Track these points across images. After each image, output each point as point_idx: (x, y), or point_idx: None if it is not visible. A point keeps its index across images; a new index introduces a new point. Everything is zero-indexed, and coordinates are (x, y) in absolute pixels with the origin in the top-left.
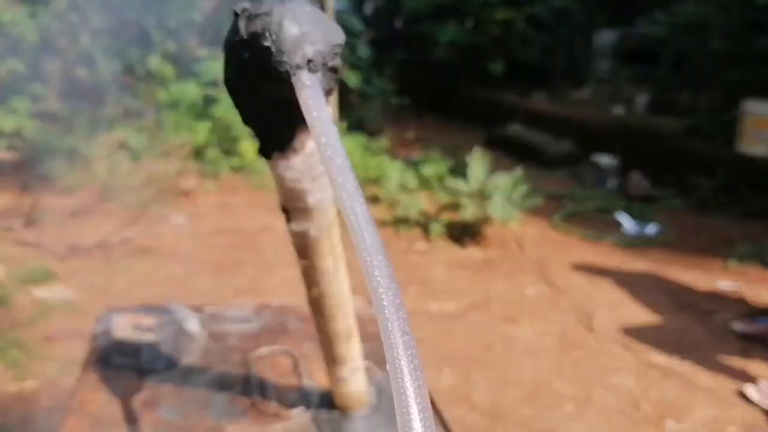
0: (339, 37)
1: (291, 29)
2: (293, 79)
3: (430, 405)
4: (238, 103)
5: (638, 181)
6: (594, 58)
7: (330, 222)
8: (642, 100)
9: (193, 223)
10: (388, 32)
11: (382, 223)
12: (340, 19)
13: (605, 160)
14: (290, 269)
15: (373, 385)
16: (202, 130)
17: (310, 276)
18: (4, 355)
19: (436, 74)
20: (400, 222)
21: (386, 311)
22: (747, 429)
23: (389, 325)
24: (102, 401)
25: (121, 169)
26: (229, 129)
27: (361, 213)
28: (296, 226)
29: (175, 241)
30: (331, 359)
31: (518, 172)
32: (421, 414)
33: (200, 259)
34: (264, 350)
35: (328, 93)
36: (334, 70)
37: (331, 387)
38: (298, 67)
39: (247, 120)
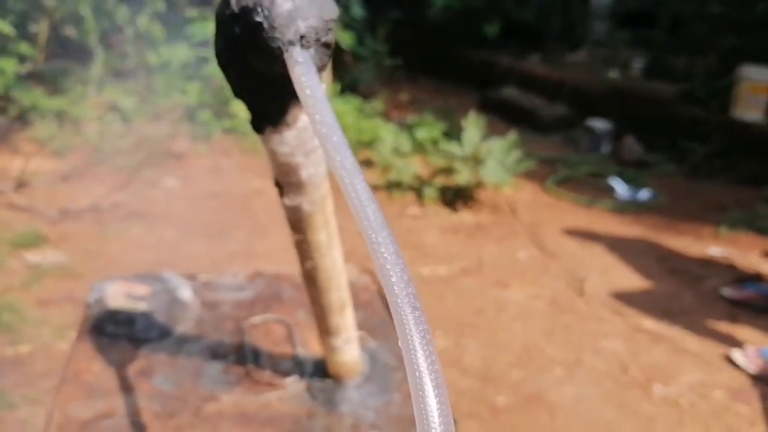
0: (332, 12)
1: (283, 4)
2: (285, 56)
3: (443, 380)
4: (229, 77)
5: (632, 146)
6: (590, 20)
7: (323, 196)
8: (638, 64)
9: (185, 186)
10: None
11: (375, 188)
12: None
13: (599, 124)
14: (283, 234)
15: (366, 354)
16: (193, 92)
17: (304, 250)
18: None
19: (431, 35)
20: (394, 186)
21: (395, 288)
22: (732, 393)
23: (399, 301)
24: (97, 370)
25: (112, 132)
26: (221, 90)
27: (362, 190)
28: (289, 201)
29: (167, 204)
30: (325, 330)
31: (512, 136)
32: (436, 390)
33: (192, 222)
34: (257, 319)
35: (321, 69)
36: (327, 45)
37: (325, 356)
38: (291, 43)
39: (238, 94)
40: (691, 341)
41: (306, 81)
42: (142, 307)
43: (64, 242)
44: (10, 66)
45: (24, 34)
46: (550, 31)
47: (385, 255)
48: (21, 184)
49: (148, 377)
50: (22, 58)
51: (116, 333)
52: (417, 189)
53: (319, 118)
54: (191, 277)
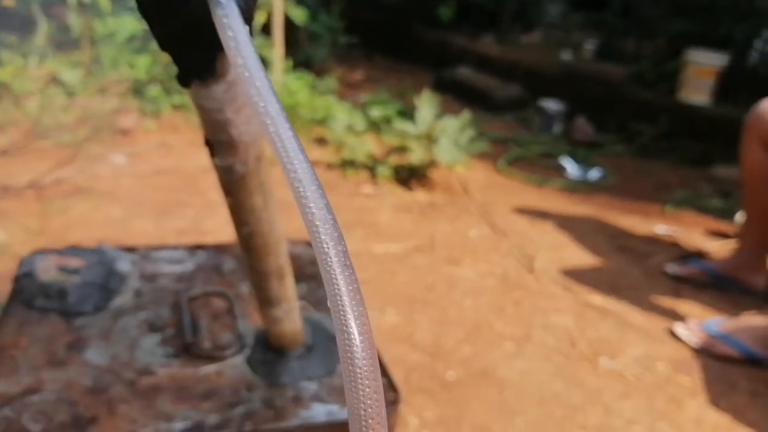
0: None
1: None
2: None
3: (374, 341)
4: (152, 25)
5: (583, 126)
6: (544, 2)
7: (257, 157)
8: (590, 46)
9: (132, 163)
10: None
11: (328, 166)
12: None
13: (552, 105)
14: None
15: (308, 326)
16: (141, 66)
17: (239, 214)
18: None
19: (386, 14)
20: (347, 164)
21: (324, 245)
22: (675, 364)
23: (328, 259)
24: (24, 345)
25: (55, 106)
26: (171, 65)
27: (288, 139)
28: (220, 161)
29: (113, 181)
30: (265, 300)
31: (465, 115)
32: (365, 353)
33: (140, 200)
34: (197, 291)
35: (247, 15)
36: None
37: (266, 327)
38: None
39: (163, 45)
40: (636, 316)
41: (228, 23)
42: (75, 279)
43: (3, 220)
44: None
45: None
46: (504, 12)
47: (314, 210)
48: None
49: (79, 351)
50: None
51: (47, 307)
52: (371, 168)
53: (242, 61)
54: (130, 250)
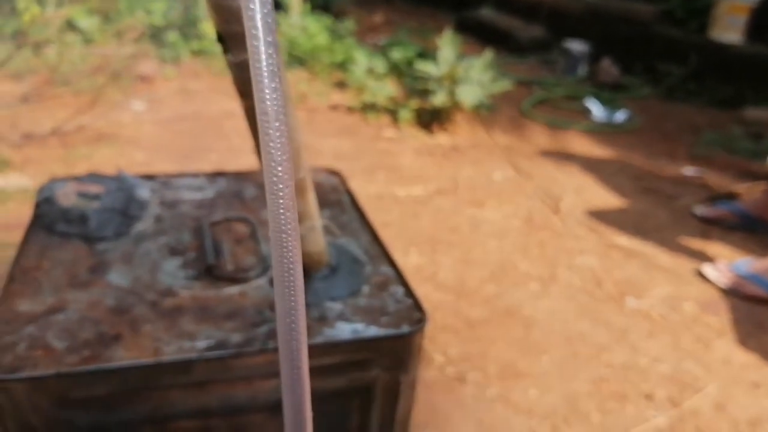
0: None
1: None
2: None
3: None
4: None
5: (609, 67)
6: None
7: None
8: None
9: (153, 109)
10: None
11: (349, 110)
12: None
13: (576, 46)
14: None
15: (333, 248)
16: (158, 11)
17: (254, 119)
18: None
19: None
20: (368, 108)
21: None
22: (702, 304)
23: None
24: (46, 268)
25: (73, 53)
26: (189, 10)
27: None
28: (234, 57)
29: (135, 127)
30: None
31: (488, 55)
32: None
33: (162, 145)
34: (219, 216)
35: None
36: None
37: None
38: None
39: None
40: (663, 257)
41: None
42: (95, 205)
43: (29, 166)
44: None
45: None
46: None
47: None
48: None
49: (102, 273)
50: None
51: (68, 231)
52: (392, 111)
53: None
54: (149, 177)
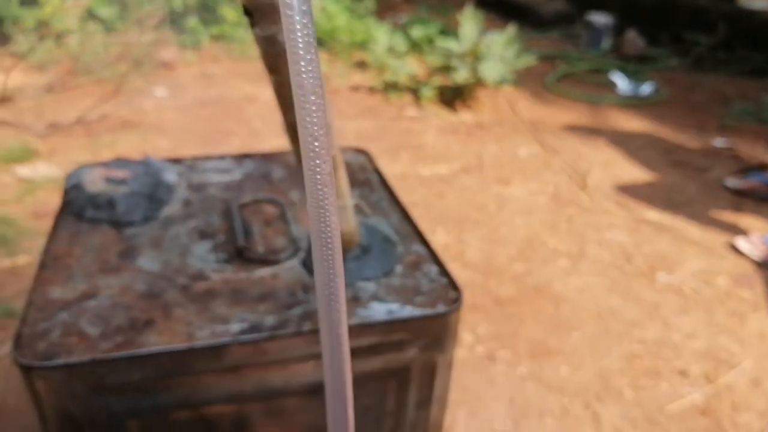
0: None
1: None
2: None
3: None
4: None
5: (634, 39)
6: None
7: None
8: None
9: (175, 95)
10: None
11: (370, 90)
12: None
13: (600, 18)
14: (279, 139)
15: (364, 228)
16: None
17: (284, 95)
18: None
19: None
20: (390, 87)
21: None
22: (736, 278)
23: None
24: (78, 254)
25: (95, 42)
26: None
27: None
28: (262, 31)
29: (158, 114)
30: None
31: (510, 30)
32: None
33: (186, 131)
34: (248, 198)
35: None
36: None
37: None
38: None
39: None
40: (694, 231)
41: None
42: (123, 190)
43: (55, 155)
44: None
45: None
46: None
47: None
48: (5, 99)
49: (132, 258)
50: None
51: (97, 217)
52: (414, 90)
53: None
54: (175, 161)
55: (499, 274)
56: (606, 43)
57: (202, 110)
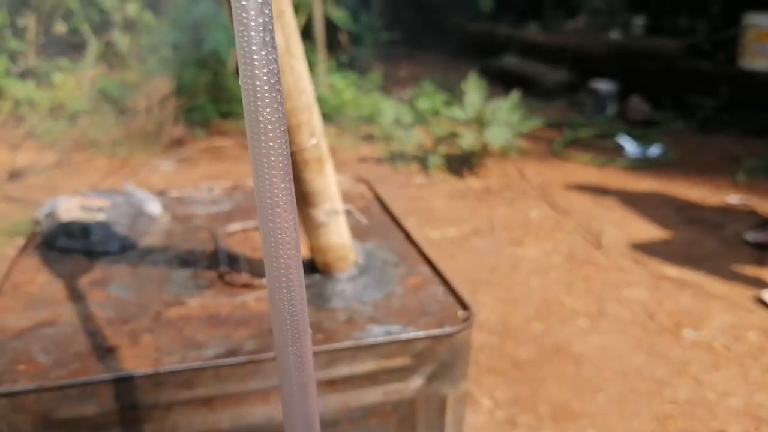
0: None
1: None
2: None
3: None
4: None
5: (638, 105)
6: None
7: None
8: (639, 21)
9: (182, 169)
10: None
11: (378, 161)
12: None
13: (604, 86)
14: None
15: (361, 249)
16: (187, 76)
17: None
18: None
19: (425, 10)
20: (397, 157)
21: None
22: (767, 332)
23: None
24: (41, 282)
25: (106, 121)
26: (217, 75)
27: None
28: None
29: (164, 186)
30: (304, 198)
31: (514, 95)
32: None
33: None
34: (235, 226)
35: None
36: None
37: (310, 243)
38: None
39: None
40: (717, 285)
41: None
42: (100, 218)
43: None
44: (2, 63)
45: (13, 30)
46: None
47: None
48: (14, 175)
49: (102, 286)
50: (12, 55)
51: (69, 247)
52: (421, 159)
53: None
54: (160, 193)
55: (516, 336)
56: (611, 109)
57: (208, 181)
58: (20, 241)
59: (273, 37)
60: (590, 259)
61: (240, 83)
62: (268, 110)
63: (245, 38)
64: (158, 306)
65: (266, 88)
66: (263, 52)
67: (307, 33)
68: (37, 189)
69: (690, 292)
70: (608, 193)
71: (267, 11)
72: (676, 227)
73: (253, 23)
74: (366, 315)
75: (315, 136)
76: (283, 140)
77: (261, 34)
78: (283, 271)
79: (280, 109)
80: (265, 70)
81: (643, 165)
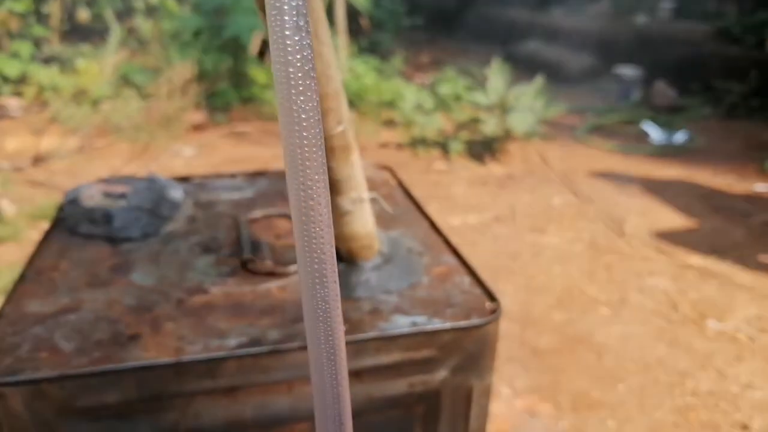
0: None
1: None
2: None
3: None
4: None
5: (664, 90)
6: None
7: None
8: (667, 5)
9: (204, 153)
10: None
11: (399, 146)
12: None
13: (628, 71)
14: None
15: (386, 238)
16: (208, 61)
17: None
18: None
19: None
20: (418, 143)
21: None
22: None
23: None
24: (64, 268)
25: (128, 106)
26: (238, 60)
27: None
28: None
29: (186, 171)
30: (330, 185)
31: (538, 81)
32: None
33: None
34: (258, 213)
35: None
36: None
37: (336, 231)
38: None
39: None
40: (743, 276)
41: None
42: (121, 204)
43: None
44: (26, 49)
45: (37, 17)
46: None
47: None
48: (38, 160)
49: (124, 273)
50: (37, 41)
51: (92, 232)
52: (442, 144)
53: None
54: (183, 179)
55: (537, 324)
56: (635, 95)
57: (231, 167)
58: (44, 225)
59: (307, 22)
60: (613, 247)
61: (272, 70)
62: (302, 98)
63: (278, 23)
64: (180, 293)
65: (300, 75)
66: (296, 37)
67: (328, 17)
68: (61, 174)
69: (715, 282)
70: (632, 180)
71: None
72: (701, 215)
73: (286, 7)
74: (391, 305)
75: (342, 123)
76: (318, 130)
77: (295, 18)
78: (317, 266)
79: (315, 97)
80: (298, 56)
81: (668, 152)
